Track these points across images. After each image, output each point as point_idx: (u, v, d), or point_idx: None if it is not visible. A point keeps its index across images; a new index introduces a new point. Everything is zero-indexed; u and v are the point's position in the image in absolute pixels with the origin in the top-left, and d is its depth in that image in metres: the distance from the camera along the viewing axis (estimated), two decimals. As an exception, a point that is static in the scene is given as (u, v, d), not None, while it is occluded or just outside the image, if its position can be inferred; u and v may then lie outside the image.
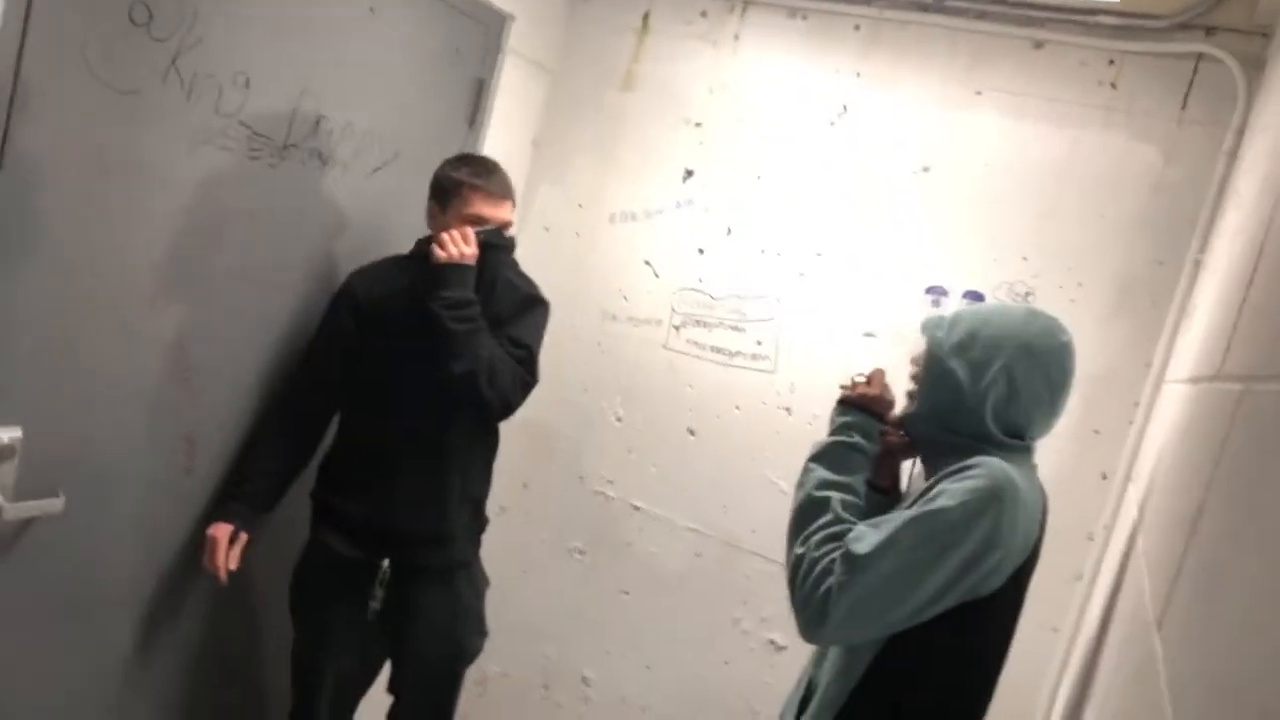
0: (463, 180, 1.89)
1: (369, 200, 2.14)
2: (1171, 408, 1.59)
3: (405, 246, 2.09)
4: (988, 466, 1.23)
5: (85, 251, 1.60)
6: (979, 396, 1.31)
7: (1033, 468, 1.36)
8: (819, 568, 1.23)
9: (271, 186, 1.90)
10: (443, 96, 2.29)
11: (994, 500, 1.20)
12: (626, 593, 2.60)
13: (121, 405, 1.76)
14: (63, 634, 1.79)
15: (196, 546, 1.94)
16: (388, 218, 2.19)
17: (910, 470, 1.57)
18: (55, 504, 1.65)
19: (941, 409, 1.36)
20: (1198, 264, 1.99)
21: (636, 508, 2.59)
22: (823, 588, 1.22)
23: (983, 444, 1.31)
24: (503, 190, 1.93)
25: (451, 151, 2.19)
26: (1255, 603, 0.49)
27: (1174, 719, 0.61)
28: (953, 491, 1.22)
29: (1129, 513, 1.76)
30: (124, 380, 1.75)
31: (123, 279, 1.69)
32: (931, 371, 1.37)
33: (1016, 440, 1.33)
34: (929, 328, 1.41)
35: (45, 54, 1.45)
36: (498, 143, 2.47)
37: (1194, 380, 1.31)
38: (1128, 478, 2.02)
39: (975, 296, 2.21)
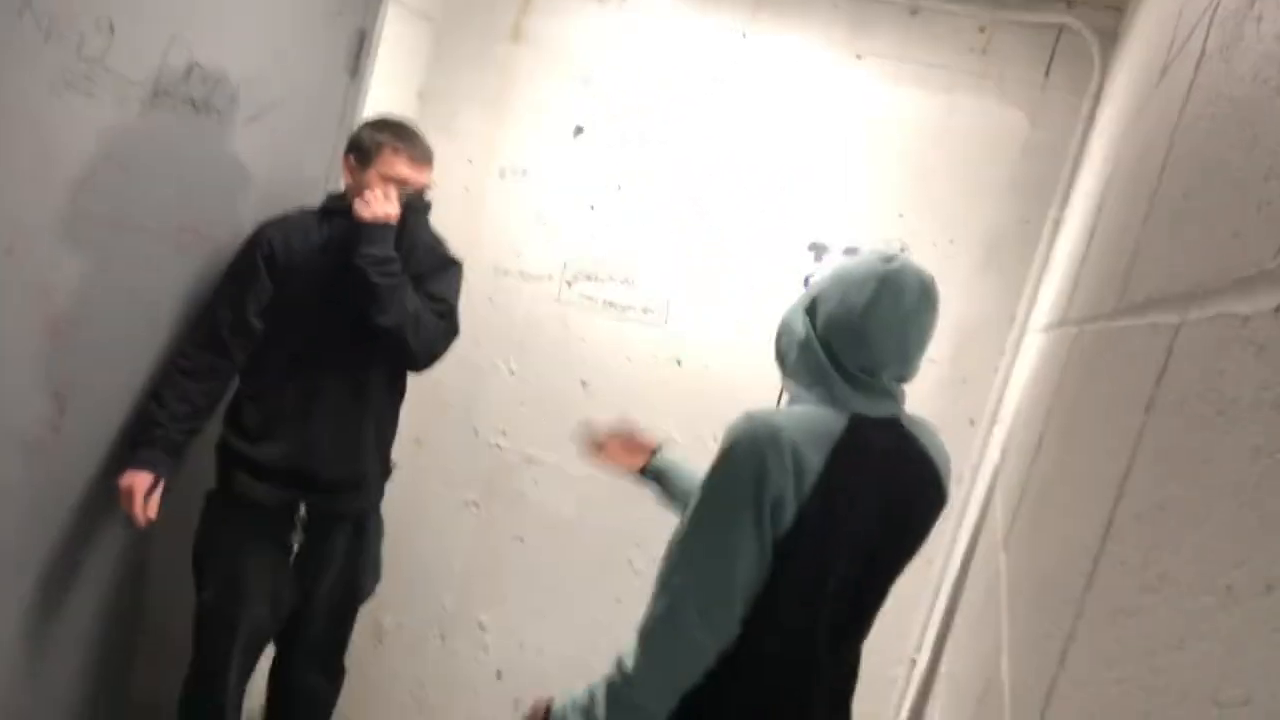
0: (385, 142, 1.95)
1: (245, 149, 2.08)
2: (1030, 355, 1.72)
3: (282, 194, 2.07)
4: (739, 420, 1.26)
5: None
6: (803, 327, 1.34)
7: (839, 415, 1.29)
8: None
9: (142, 134, 1.82)
10: (323, 46, 2.22)
11: (750, 445, 1.22)
12: (521, 539, 2.64)
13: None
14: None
15: (80, 504, 1.89)
16: (266, 166, 2.13)
17: None
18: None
19: (795, 363, 1.37)
20: (1058, 222, 2.12)
21: (530, 458, 2.62)
22: (657, 618, 1.25)
23: (813, 393, 1.32)
24: (425, 155, 2.01)
25: (332, 102, 2.13)
26: (1066, 511, 0.56)
27: (1009, 622, 0.68)
28: (713, 462, 1.26)
29: (993, 454, 1.89)
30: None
31: (-20, 229, 1.60)
32: (782, 323, 1.42)
33: (834, 368, 1.31)
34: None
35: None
36: (381, 94, 2.41)
37: (1046, 329, 1.42)
38: (993, 422, 2.16)
39: (853, 252, 2.30)
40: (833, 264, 1.42)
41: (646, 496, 1.88)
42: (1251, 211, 0.33)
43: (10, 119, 1.58)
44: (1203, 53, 0.55)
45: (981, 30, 2.22)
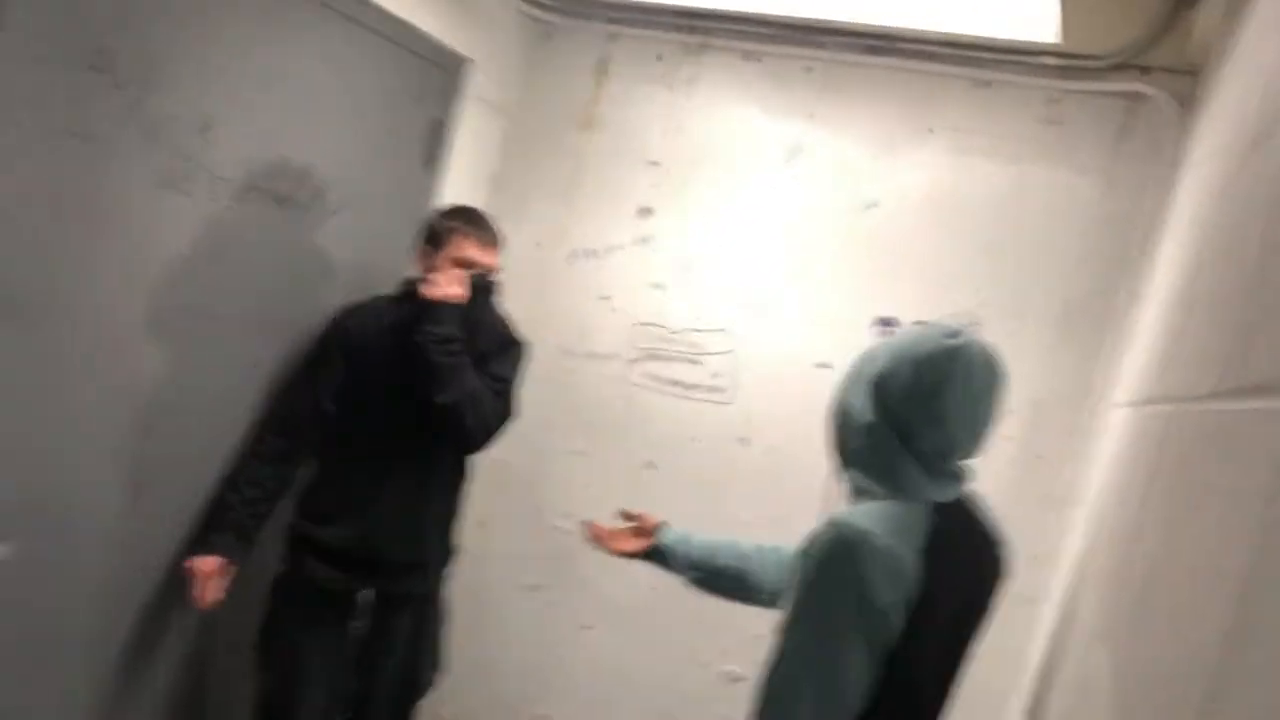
0: (455, 227, 2.01)
1: (327, 241, 2.15)
2: (1113, 431, 1.65)
3: (362, 284, 2.13)
4: (827, 530, 1.20)
5: (42, 296, 1.59)
6: (869, 412, 1.28)
7: (918, 507, 1.25)
8: None
9: (230, 229, 1.90)
10: (401, 138, 2.31)
11: (846, 556, 1.17)
12: (588, 628, 2.59)
13: (71, 448, 1.73)
14: (14, 685, 1.74)
15: (153, 590, 1.92)
16: (347, 257, 2.20)
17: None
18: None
19: (860, 452, 1.31)
20: (1134, 293, 2.06)
21: (598, 542, 2.59)
22: None
23: (884, 485, 1.27)
24: (493, 238, 2.06)
25: (410, 193, 2.21)
26: (1179, 607, 0.52)
27: (1116, 726, 0.64)
28: (806, 571, 1.20)
29: (1075, 536, 1.81)
30: (74, 423, 1.72)
31: (79, 322, 1.67)
32: (837, 409, 1.36)
33: (907, 452, 1.26)
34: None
35: (4, 101, 1.45)
36: (456, 183, 2.49)
37: (1133, 404, 1.36)
38: (1071, 501, 2.07)
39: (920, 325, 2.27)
40: (888, 340, 1.35)
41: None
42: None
43: (110, 219, 1.67)
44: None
45: (1053, 101, 2.21)
